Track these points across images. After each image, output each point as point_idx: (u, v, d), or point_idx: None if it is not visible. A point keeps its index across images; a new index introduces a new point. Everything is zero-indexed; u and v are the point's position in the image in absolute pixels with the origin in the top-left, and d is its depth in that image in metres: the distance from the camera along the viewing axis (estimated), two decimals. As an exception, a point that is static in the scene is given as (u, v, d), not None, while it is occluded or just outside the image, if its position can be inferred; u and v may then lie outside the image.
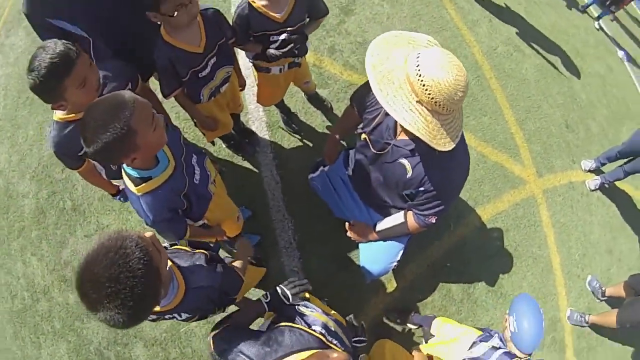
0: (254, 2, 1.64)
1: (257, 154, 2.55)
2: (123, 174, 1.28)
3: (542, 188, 2.98)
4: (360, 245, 2.02)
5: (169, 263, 1.12)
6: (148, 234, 0.94)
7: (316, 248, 2.42)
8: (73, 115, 1.38)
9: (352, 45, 2.89)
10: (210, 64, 1.68)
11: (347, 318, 1.67)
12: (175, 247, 1.38)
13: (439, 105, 1.10)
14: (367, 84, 1.56)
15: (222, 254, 1.79)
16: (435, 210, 1.49)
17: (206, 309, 1.29)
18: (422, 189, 1.44)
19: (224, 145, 2.53)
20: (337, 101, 2.71)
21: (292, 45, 1.76)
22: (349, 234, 1.91)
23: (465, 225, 2.67)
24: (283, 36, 1.75)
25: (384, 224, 1.78)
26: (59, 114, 1.41)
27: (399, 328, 2.43)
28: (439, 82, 1.06)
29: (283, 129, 2.62)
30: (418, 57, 1.09)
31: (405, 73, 1.12)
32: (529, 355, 1.63)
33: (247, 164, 2.53)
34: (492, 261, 2.70)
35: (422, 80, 1.07)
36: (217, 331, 1.22)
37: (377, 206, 1.86)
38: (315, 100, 2.63)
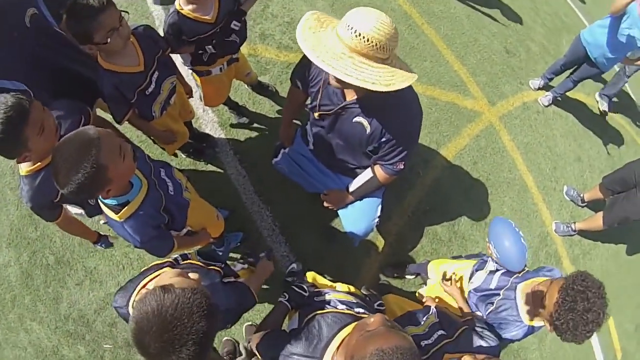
0: (182, 9, 1.69)
1: (217, 155, 2.61)
2: (101, 205, 1.32)
3: (497, 115, 3.14)
4: (340, 211, 2.11)
5: None
6: (196, 276, 0.93)
7: (299, 228, 2.51)
8: (39, 163, 1.41)
9: (281, 27, 2.97)
10: (154, 79, 1.72)
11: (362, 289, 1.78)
12: (189, 261, 1.42)
13: (385, 49, 1.20)
14: (302, 60, 1.66)
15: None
16: (400, 156, 1.59)
17: (219, 328, 1.30)
18: (383, 139, 1.53)
19: (184, 156, 2.59)
20: (281, 83, 2.80)
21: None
22: (325, 203, 2.00)
23: (433, 168, 2.80)
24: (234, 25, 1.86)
25: (356, 184, 1.87)
26: (25, 168, 1.42)
27: (398, 282, 2.55)
28: (377, 30, 1.17)
29: (236, 124, 2.68)
30: (348, 24, 1.20)
31: (336, 36, 1.22)
32: (523, 269, 1.73)
33: (211, 167, 2.59)
34: (468, 195, 2.85)
35: (364, 38, 1.17)
36: (258, 341, 1.29)
37: (344, 170, 1.95)
38: (259, 88, 2.71)
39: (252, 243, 2.45)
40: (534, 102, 3.35)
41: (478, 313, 1.77)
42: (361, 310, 1.35)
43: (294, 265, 2.40)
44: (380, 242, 2.59)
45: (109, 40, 1.43)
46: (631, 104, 4.07)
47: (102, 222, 1.95)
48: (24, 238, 2.54)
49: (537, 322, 1.57)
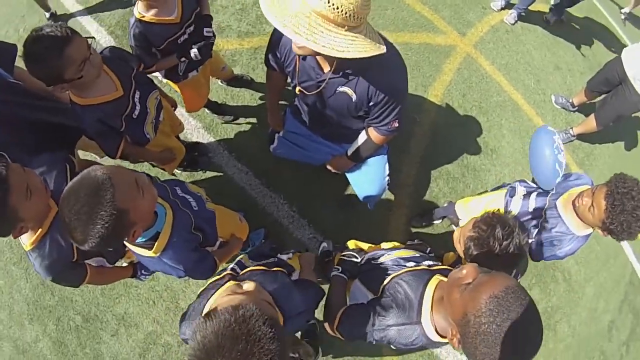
0: (144, 16, 1.65)
1: (212, 160, 2.61)
2: (129, 246, 1.24)
3: (471, 44, 3.25)
4: (350, 179, 2.16)
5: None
6: (251, 290, 0.90)
7: (317, 206, 2.56)
8: (40, 229, 1.32)
9: (234, 15, 2.97)
10: (137, 100, 1.65)
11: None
12: (249, 269, 1.32)
13: (356, 17, 1.13)
14: (271, 40, 1.64)
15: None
16: (392, 115, 1.58)
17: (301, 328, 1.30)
18: (371, 103, 1.53)
19: (179, 171, 2.57)
20: (253, 70, 2.81)
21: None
22: (330, 169, 2.05)
23: (427, 111, 2.89)
24: (193, 53, 1.83)
25: (353, 147, 1.91)
26: (27, 240, 1.32)
27: (428, 229, 2.63)
28: None
29: (222, 124, 2.68)
30: None
31: (311, 11, 1.15)
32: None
33: (210, 174, 2.59)
34: (467, 128, 2.96)
35: (333, 5, 1.09)
36: (337, 322, 1.26)
37: (343, 138, 1.98)
38: (234, 81, 2.71)
39: (276, 235, 2.48)
40: (500, 23, 3.48)
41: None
42: (430, 262, 1.34)
43: (324, 244, 2.44)
44: (398, 198, 2.66)
45: (82, 74, 1.34)
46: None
47: (124, 264, 1.91)
48: (44, 308, 2.49)
49: (587, 231, 1.65)
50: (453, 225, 2.66)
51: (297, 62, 1.57)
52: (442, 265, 1.35)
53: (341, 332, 1.28)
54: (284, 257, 1.66)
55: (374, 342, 1.19)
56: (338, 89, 1.52)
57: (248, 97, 2.74)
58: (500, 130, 3.03)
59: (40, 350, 2.45)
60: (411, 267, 1.29)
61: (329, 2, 1.10)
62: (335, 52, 1.17)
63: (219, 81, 2.70)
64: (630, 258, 3.16)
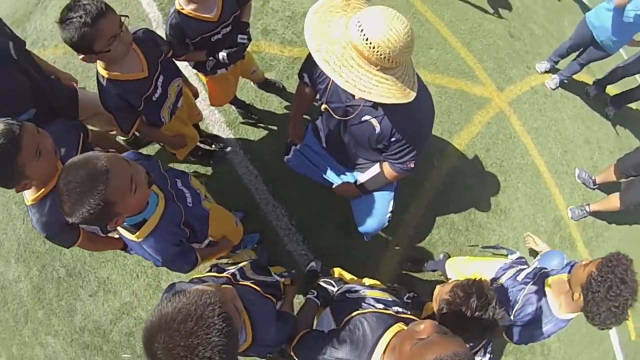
0: (183, 9, 1.72)
1: (227, 155, 2.69)
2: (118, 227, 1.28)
3: (506, 101, 3.27)
4: (353, 207, 2.20)
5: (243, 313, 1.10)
6: (228, 290, 0.99)
7: (316, 225, 2.60)
8: (43, 189, 1.39)
9: (282, 21, 3.05)
10: (160, 84, 1.74)
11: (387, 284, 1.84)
12: (248, 283, 1.36)
13: (391, 61, 1.17)
14: (309, 57, 1.70)
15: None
16: (410, 155, 1.63)
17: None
18: (393, 139, 1.57)
19: (192, 159, 2.65)
20: (287, 79, 2.88)
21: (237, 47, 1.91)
22: (335, 191, 2.09)
23: (447, 157, 2.92)
24: (222, 56, 1.89)
25: (363, 178, 1.95)
26: (30, 197, 1.40)
27: (418, 274, 2.66)
28: (387, 39, 1.13)
29: (244, 123, 2.76)
30: (359, 21, 1.15)
31: (348, 42, 1.19)
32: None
33: (221, 169, 2.66)
34: (482, 183, 2.98)
35: (370, 44, 1.14)
36: (295, 342, 1.30)
37: (356, 166, 2.03)
38: (266, 85, 2.78)
39: (270, 244, 2.53)
40: (541, 86, 3.49)
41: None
42: (399, 309, 1.37)
43: (313, 263, 2.49)
44: (398, 235, 2.69)
45: (110, 48, 1.43)
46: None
47: (116, 235, 1.98)
48: (32, 252, 2.59)
49: (569, 315, 1.66)
50: (444, 277, 2.68)
51: (330, 82, 1.62)
52: (414, 314, 1.37)
53: (296, 354, 1.31)
54: (280, 279, 1.69)
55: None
56: (364, 117, 1.57)
57: (276, 104, 2.82)
58: (515, 193, 3.04)
59: (18, 291, 2.55)
60: (379, 309, 1.32)
61: (367, 40, 1.14)
62: (356, 90, 1.21)
63: (251, 82, 2.78)
64: (614, 345, 3.12)
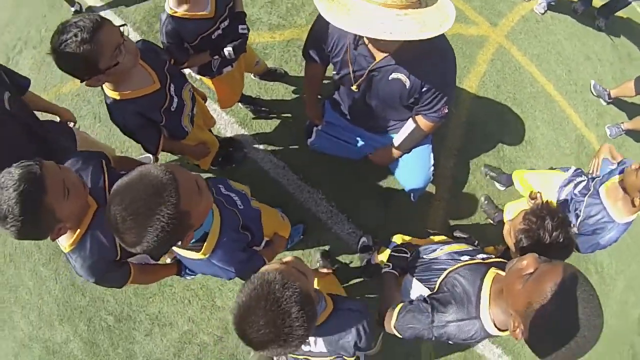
0: (176, 12, 1.64)
1: (248, 155, 2.65)
2: (176, 250, 1.23)
3: (502, 35, 3.29)
4: (394, 171, 2.19)
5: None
6: (287, 259, 1.01)
7: (355, 201, 2.60)
8: (79, 230, 1.28)
9: (264, 8, 3.00)
10: (174, 93, 1.66)
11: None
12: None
13: None
14: (313, 33, 1.67)
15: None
16: (443, 101, 1.64)
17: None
18: (424, 89, 1.57)
19: (214, 168, 2.61)
20: (286, 63, 2.85)
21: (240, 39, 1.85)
22: (375, 162, 2.08)
23: (463, 102, 2.93)
24: (227, 51, 1.83)
25: (400, 137, 1.94)
26: (66, 242, 1.29)
27: (467, 222, 2.68)
28: None
29: (256, 118, 2.72)
30: None
31: (374, 4, 1.19)
32: None
33: (246, 170, 2.62)
34: (502, 119, 3.00)
35: None
36: (395, 320, 1.29)
37: (387, 129, 2.02)
38: (268, 75, 2.74)
39: (315, 230, 2.52)
40: (530, 13, 3.51)
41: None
42: (483, 255, 1.38)
43: (364, 239, 2.49)
44: (437, 189, 2.70)
45: (118, 60, 1.31)
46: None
47: (168, 260, 1.93)
48: (74, 309, 2.54)
49: (629, 218, 1.74)
50: (489, 220, 2.71)
51: (348, 51, 1.59)
52: (495, 258, 1.38)
53: (398, 330, 1.29)
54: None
55: (433, 339, 1.21)
56: (391, 75, 1.56)
57: (282, 91, 2.78)
58: (534, 122, 3.07)
59: (70, 351, 2.50)
60: (466, 260, 1.32)
61: None
62: (434, 31, 1.19)
63: (251, 75, 2.74)
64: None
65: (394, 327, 1.30)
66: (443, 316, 1.17)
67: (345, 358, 1.27)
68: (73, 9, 2.96)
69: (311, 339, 1.17)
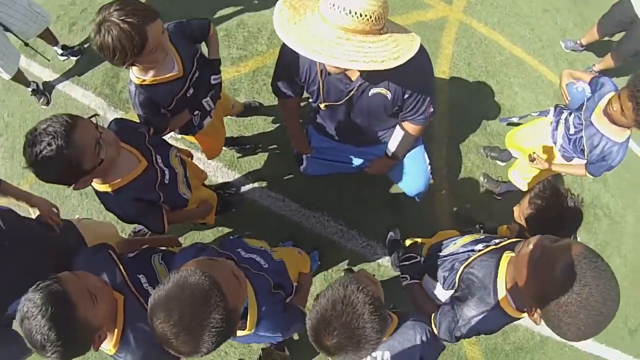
0: (144, 80, 1.59)
1: (244, 196, 2.64)
2: None
3: (460, 11, 3.33)
4: (393, 178, 2.21)
5: None
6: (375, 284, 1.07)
7: (363, 213, 2.63)
8: (116, 330, 1.23)
9: (221, 43, 2.95)
10: (162, 164, 1.63)
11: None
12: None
13: (374, 19, 1.13)
14: (280, 66, 1.65)
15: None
16: (427, 102, 1.64)
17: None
18: (406, 96, 1.57)
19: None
20: (258, 94, 2.84)
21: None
22: (370, 172, 2.10)
23: (440, 89, 2.97)
24: (205, 103, 1.81)
25: (392, 146, 1.95)
26: (108, 345, 1.24)
27: (476, 204, 2.74)
28: (366, 1, 1.10)
29: (242, 157, 2.71)
30: (332, 3, 1.12)
31: (322, 21, 1.16)
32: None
33: (247, 211, 2.60)
34: (480, 95, 3.06)
35: (344, 9, 1.10)
36: (437, 330, 1.33)
37: (377, 140, 2.02)
38: (243, 111, 2.73)
39: (330, 253, 2.54)
40: (481, -18, 3.56)
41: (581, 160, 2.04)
42: (497, 240, 1.39)
43: (391, 233, 2.57)
44: (436, 181, 2.74)
45: (100, 155, 1.26)
46: None
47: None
48: None
49: (626, 134, 1.84)
50: (495, 196, 2.77)
51: (321, 80, 1.58)
52: (509, 240, 1.40)
53: (442, 338, 1.33)
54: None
55: (463, 338, 1.25)
56: (371, 91, 1.55)
57: (262, 123, 2.77)
58: (512, 89, 3.14)
59: None
60: (480, 250, 1.33)
61: (351, 13, 1.10)
62: (393, 62, 1.18)
63: (227, 116, 2.72)
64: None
65: (441, 337, 1.33)
66: (467, 312, 1.20)
67: None
68: (30, 89, 2.87)
69: (379, 353, 1.19)
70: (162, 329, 0.88)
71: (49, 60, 2.94)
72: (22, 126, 2.88)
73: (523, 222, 1.56)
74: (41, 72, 3.01)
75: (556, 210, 1.44)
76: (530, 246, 0.99)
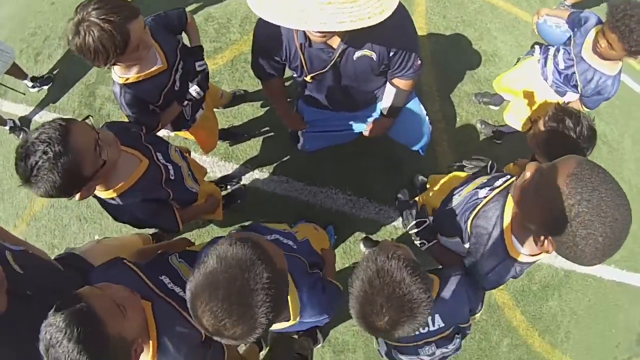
0: (128, 78, 1.54)
1: (247, 186, 2.60)
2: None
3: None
4: (394, 136, 2.19)
5: None
6: (402, 248, 1.04)
7: (369, 181, 2.61)
8: (151, 340, 1.14)
9: (195, 38, 2.93)
10: (164, 161, 1.59)
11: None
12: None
13: None
14: (259, 50, 1.63)
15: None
16: (413, 57, 1.63)
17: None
18: (392, 54, 1.57)
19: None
20: (241, 82, 2.80)
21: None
22: (370, 135, 2.07)
23: (421, 46, 2.95)
24: (194, 91, 1.77)
25: (386, 105, 1.94)
26: (146, 356, 1.14)
27: (476, 148, 2.74)
28: None
29: (236, 146, 2.67)
30: None
31: None
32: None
33: (252, 200, 2.56)
34: (461, 45, 3.08)
35: None
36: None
37: (369, 102, 2.01)
38: (230, 100, 2.69)
39: (345, 224, 2.52)
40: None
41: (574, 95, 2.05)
42: (501, 180, 1.36)
43: (400, 195, 2.56)
44: (434, 135, 2.71)
45: (102, 156, 1.19)
46: None
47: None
48: None
49: (618, 67, 1.85)
50: (494, 140, 2.77)
51: (302, 54, 1.56)
52: (512, 178, 1.37)
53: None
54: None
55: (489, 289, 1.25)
56: (355, 55, 1.54)
57: (250, 110, 2.73)
58: (490, 34, 3.15)
59: None
60: (485, 195, 1.30)
61: None
62: (379, 17, 1.16)
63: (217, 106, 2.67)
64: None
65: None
66: (485, 265, 1.18)
67: (460, 325, 1.28)
68: (7, 127, 2.79)
69: (429, 318, 1.16)
70: (210, 311, 0.79)
71: (24, 95, 2.88)
72: (6, 166, 2.81)
73: (538, 148, 1.55)
74: (15, 109, 2.95)
75: (573, 131, 1.43)
76: (528, 174, 0.96)
